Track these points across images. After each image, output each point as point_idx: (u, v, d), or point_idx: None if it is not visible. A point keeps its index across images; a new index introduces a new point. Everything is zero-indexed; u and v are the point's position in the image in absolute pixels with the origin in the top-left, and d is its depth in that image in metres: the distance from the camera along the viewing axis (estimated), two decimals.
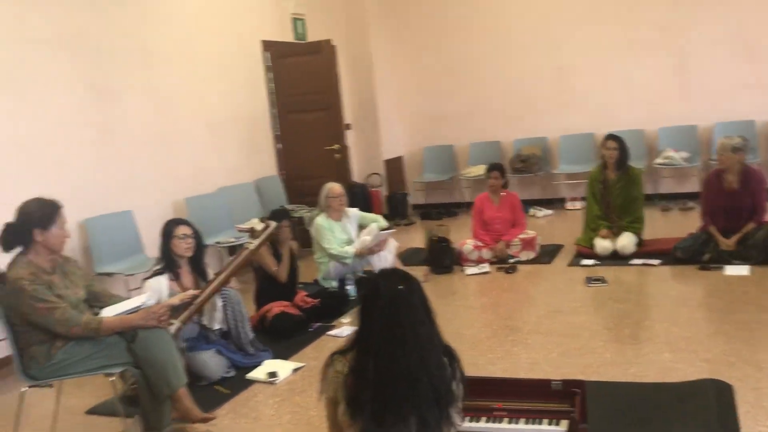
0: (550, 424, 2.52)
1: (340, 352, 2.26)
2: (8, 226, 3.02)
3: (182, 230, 4.15)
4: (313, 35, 8.25)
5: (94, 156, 5.50)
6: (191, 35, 6.61)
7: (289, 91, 7.76)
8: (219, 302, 4.18)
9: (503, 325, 4.51)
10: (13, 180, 4.83)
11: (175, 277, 4.17)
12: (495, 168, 6.34)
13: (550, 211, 8.42)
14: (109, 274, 5.26)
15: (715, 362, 3.55)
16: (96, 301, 3.27)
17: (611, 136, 6.03)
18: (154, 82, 6.14)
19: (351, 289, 5.54)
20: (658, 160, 8.10)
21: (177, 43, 6.42)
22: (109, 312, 3.12)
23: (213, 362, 4.01)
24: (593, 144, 8.38)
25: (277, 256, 5.06)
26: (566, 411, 2.54)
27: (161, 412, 3.08)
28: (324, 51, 7.59)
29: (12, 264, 3.01)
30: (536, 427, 2.52)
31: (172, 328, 3.85)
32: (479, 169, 8.82)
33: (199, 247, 4.25)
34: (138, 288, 4.44)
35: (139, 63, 5.98)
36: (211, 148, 6.77)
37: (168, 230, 4.17)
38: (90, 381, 3.69)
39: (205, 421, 3.11)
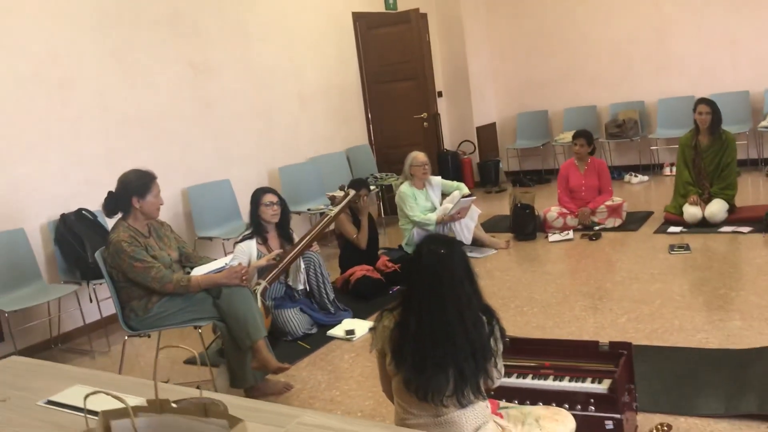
0: (593, 382, 2.63)
1: (389, 309, 2.47)
2: (110, 195, 3.42)
3: (269, 198, 4.48)
4: (404, 5, 8.37)
5: (195, 129, 5.94)
6: (285, 11, 6.92)
7: (379, 61, 7.95)
8: (302, 264, 4.49)
9: (576, 290, 4.58)
10: (126, 151, 5.34)
11: (263, 241, 4.52)
12: (580, 135, 6.29)
13: (645, 177, 8.23)
14: (209, 238, 5.71)
15: None
16: (188, 261, 3.64)
17: (703, 100, 5.84)
18: (250, 58, 6.50)
19: None
20: (764, 123, 7.71)
21: (271, 20, 6.75)
22: (198, 271, 3.47)
23: (296, 319, 4.34)
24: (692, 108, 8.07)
25: (357, 224, 5.32)
26: (610, 371, 2.64)
27: (245, 365, 3.41)
28: (412, 20, 7.70)
29: (114, 228, 3.41)
30: (579, 384, 2.64)
31: (259, 288, 4.23)
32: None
33: (285, 214, 4.56)
34: (232, 252, 4.82)
35: (235, 40, 6.35)
36: (304, 119, 7.10)
37: (256, 198, 4.51)
38: (192, 334, 4.08)
39: (280, 370, 3.41)
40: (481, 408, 2.30)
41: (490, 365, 2.30)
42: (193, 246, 5.78)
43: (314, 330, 4.42)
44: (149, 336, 3.57)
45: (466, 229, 5.89)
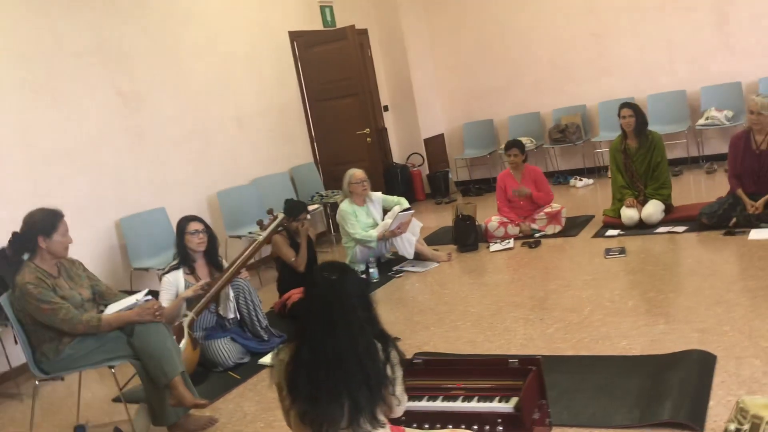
0: (500, 401, 2.60)
1: (286, 342, 2.43)
2: (14, 235, 3.32)
3: (194, 226, 4.40)
4: (342, 21, 8.36)
5: (127, 158, 5.84)
6: (216, 32, 6.87)
7: (320, 79, 7.92)
8: (231, 293, 4.42)
9: (510, 301, 4.56)
10: (53, 185, 5.23)
11: (191, 270, 4.43)
12: (513, 145, 6.32)
13: (590, 181, 8.29)
14: (145, 269, 5.61)
15: (708, 332, 3.51)
16: (102, 299, 3.55)
17: (625, 104, 5.91)
18: (182, 82, 6.43)
19: (374, 272, 5.68)
20: (701, 121, 7.83)
21: (203, 43, 6.69)
22: (110, 309, 3.38)
23: (226, 349, 4.26)
24: None
25: (296, 246, 5.25)
26: (518, 388, 2.61)
27: (164, 402, 3.33)
28: (349, 37, 7.69)
29: (20, 269, 3.31)
30: (487, 404, 2.61)
31: (186, 319, 4.16)
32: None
33: (212, 242, 4.49)
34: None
35: (165, 65, 6.27)
36: (243, 141, 7.04)
37: (181, 227, 4.44)
38: (120, 371, 3.98)
39: (197, 406, 3.33)
40: None
41: (387, 393, 2.26)
42: (129, 278, 5.69)
43: (246, 359, 4.34)
44: (62, 379, 3.47)
45: (407, 244, 5.87)
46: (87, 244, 5.44)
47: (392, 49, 9.17)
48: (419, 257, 5.93)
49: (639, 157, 5.83)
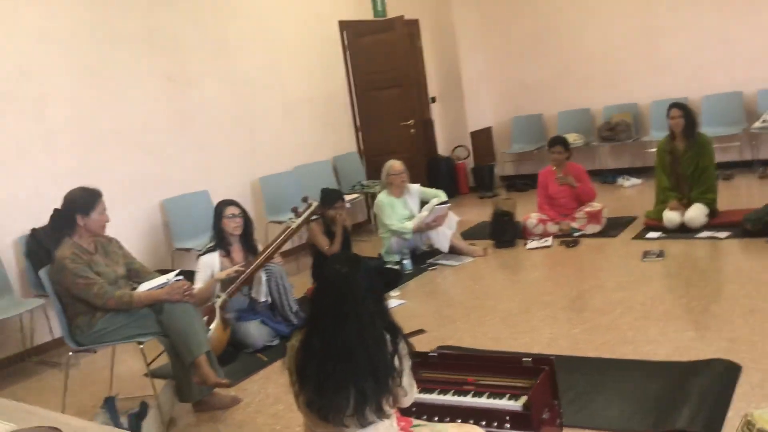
0: (509, 399, 2.61)
1: (298, 329, 2.49)
2: (55, 212, 3.48)
3: (231, 210, 4.51)
4: (393, 11, 8.36)
5: (173, 141, 6.01)
6: (266, 20, 6.97)
7: (366, 69, 7.96)
8: (264, 277, 4.51)
9: (540, 300, 4.54)
10: (101, 165, 5.41)
11: (227, 253, 4.55)
12: (557, 142, 6.24)
13: (638, 181, 8.13)
14: (186, 250, 5.76)
15: (737, 342, 3.43)
16: (136, 276, 3.68)
17: (674, 104, 5.77)
18: (231, 69, 6.55)
19: (407, 263, 5.71)
20: (757, 124, 7.58)
21: (252, 31, 6.80)
22: (142, 287, 3.51)
23: (256, 331, 4.36)
24: None
25: (331, 235, 5.32)
26: (529, 387, 2.62)
27: (189, 379, 3.44)
28: (397, 27, 7.70)
29: (59, 245, 3.46)
30: (496, 401, 2.62)
31: (219, 301, 4.27)
32: (569, 138, 8.58)
33: (248, 226, 4.60)
34: None
35: (215, 52, 6.40)
36: (288, 128, 7.14)
37: (218, 210, 4.55)
38: (149, 348, 4.13)
39: (219, 385, 3.43)
40: (385, 427, 2.29)
41: (394, 384, 2.29)
42: (171, 257, 5.86)
43: (275, 342, 4.43)
44: (95, 351, 3.62)
45: (443, 237, 5.87)
46: (132, 222, 5.63)
47: (442, 40, 9.14)
48: (454, 251, 5.93)
49: (686, 159, 5.70)
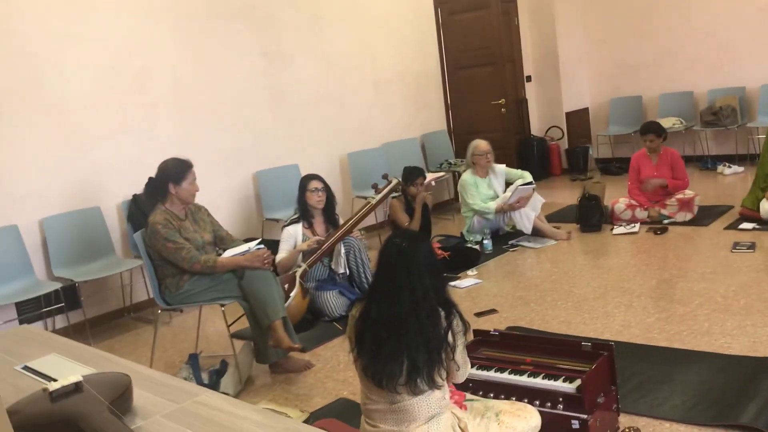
0: (564, 381, 2.64)
1: (359, 300, 2.62)
2: (150, 180, 3.74)
3: (314, 184, 4.69)
4: None
5: (267, 116, 6.26)
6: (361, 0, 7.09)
7: (460, 47, 7.95)
8: (342, 249, 4.67)
9: (618, 286, 4.47)
10: (199, 137, 5.74)
11: (309, 225, 4.74)
12: (649, 130, 6.03)
13: (740, 169, 7.75)
14: (275, 220, 6.02)
15: None
16: (221, 243, 3.92)
17: None
18: (324, 46, 6.73)
19: (488, 243, 5.74)
20: None
21: (346, 8, 6.95)
22: (227, 254, 3.74)
23: (334, 301, 4.54)
24: None
25: (411, 213, 5.42)
26: (584, 371, 2.64)
27: (266, 342, 3.65)
28: (492, 5, 7.63)
29: (153, 211, 3.73)
30: (551, 382, 2.65)
31: (300, 270, 4.48)
32: (669, 122, 8.35)
33: (330, 200, 4.77)
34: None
35: (309, 29, 6.60)
36: (378, 105, 7.26)
37: (303, 184, 4.74)
38: (231, 310, 4.39)
39: (291, 349, 3.61)
40: (437, 398, 2.38)
41: (446, 358, 2.37)
42: (261, 226, 6.14)
43: None
44: (182, 311, 3.88)
45: (526, 219, 5.85)
46: (226, 192, 5.94)
47: (540, 17, 8.96)
48: (537, 233, 5.90)
49: None
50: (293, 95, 6.46)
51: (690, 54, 8.44)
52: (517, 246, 5.81)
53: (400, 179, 5.22)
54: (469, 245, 5.79)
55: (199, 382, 3.51)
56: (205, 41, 5.81)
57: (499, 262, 5.46)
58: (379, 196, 4.76)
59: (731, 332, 3.53)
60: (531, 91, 9.17)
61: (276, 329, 3.55)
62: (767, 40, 7.85)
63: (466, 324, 2.43)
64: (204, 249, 3.76)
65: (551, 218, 6.46)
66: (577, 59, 9.24)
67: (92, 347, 2.44)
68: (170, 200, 3.74)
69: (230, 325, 3.90)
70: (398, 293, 2.36)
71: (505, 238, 6.04)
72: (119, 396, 1.62)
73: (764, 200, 5.45)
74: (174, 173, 3.70)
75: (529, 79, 9.15)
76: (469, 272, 5.22)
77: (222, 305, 3.72)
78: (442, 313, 2.37)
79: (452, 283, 4.98)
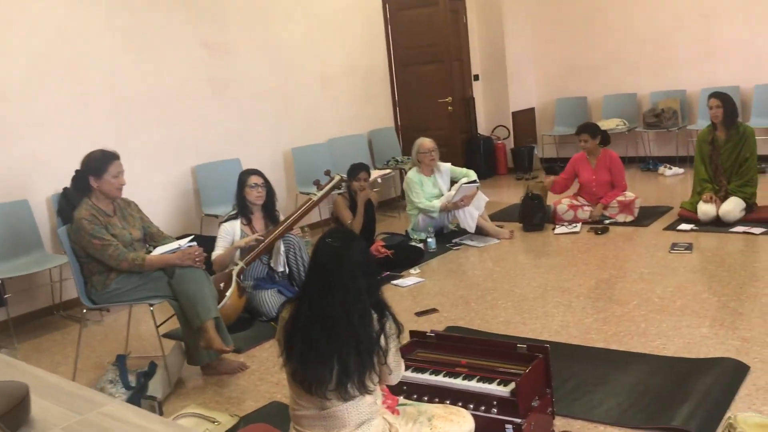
0: (499, 384, 2.59)
1: (290, 301, 2.52)
2: (75, 173, 3.56)
3: (254, 180, 4.56)
4: None
5: (208, 109, 6.08)
6: None
7: (407, 43, 7.89)
8: (282, 247, 4.56)
9: (558, 286, 4.48)
10: (135, 129, 5.53)
11: (248, 221, 4.61)
12: (583, 130, 6.10)
13: (681, 170, 7.90)
14: (214, 216, 5.85)
15: (751, 342, 3.33)
16: (151, 240, 3.76)
17: (713, 94, 5.59)
18: (270, 39, 6.58)
19: (431, 242, 5.69)
20: None
21: (293, 1, 6.80)
22: (157, 251, 3.59)
23: (271, 300, 4.42)
24: (739, 98, 7.65)
25: (355, 209, 5.33)
26: (519, 374, 2.59)
27: (198, 343, 3.52)
28: (440, 2, 7.59)
29: (79, 205, 3.56)
30: (486, 385, 2.60)
31: (236, 268, 4.34)
32: (612, 123, 8.47)
33: (270, 196, 4.64)
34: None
35: (254, 21, 6.44)
36: (325, 100, 7.15)
37: (242, 179, 4.60)
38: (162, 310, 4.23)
39: (222, 351, 3.49)
40: (367, 403, 2.31)
41: (379, 362, 2.30)
42: (200, 222, 5.96)
43: None
44: (108, 311, 3.72)
45: (470, 217, 5.83)
46: (163, 186, 5.75)
47: (489, 16, 8.98)
48: (481, 232, 5.88)
49: (726, 150, 5.51)
50: (236, 88, 6.30)
51: (634, 57, 8.57)
52: (460, 244, 5.78)
53: (344, 175, 5.12)
54: (414, 243, 5.73)
55: (126, 385, 3.37)
56: (143, 30, 5.61)
57: (443, 261, 5.42)
58: (321, 192, 4.66)
59: (667, 333, 3.55)
60: (478, 89, 9.18)
61: (207, 330, 3.42)
62: (707, 44, 8.02)
63: (399, 326, 2.36)
64: (133, 246, 3.60)
65: (495, 217, 6.47)
66: (525, 59, 9.29)
67: None
68: (95, 195, 3.56)
69: (160, 324, 3.76)
70: (329, 294, 2.28)
71: (449, 236, 6.02)
72: (13, 407, 1.49)
73: (701, 202, 5.55)
74: (95, 166, 3.51)
75: (476, 77, 9.16)
76: (412, 271, 5.16)
77: (151, 305, 3.57)
78: (375, 316, 2.30)
79: (394, 282, 4.92)
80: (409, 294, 4.68)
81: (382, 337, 2.28)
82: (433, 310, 4.27)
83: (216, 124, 6.14)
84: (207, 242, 4.36)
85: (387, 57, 7.94)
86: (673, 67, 8.30)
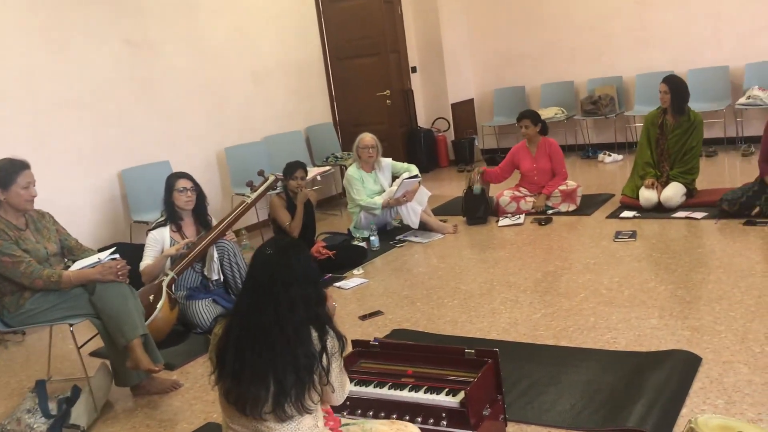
0: (447, 394, 2.43)
1: (223, 316, 2.31)
2: None
3: (182, 183, 4.29)
4: None
5: (134, 110, 5.76)
6: None
7: (342, 36, 7.69)
8: (215, 254, 4.31)
9: (504, 281, 4.36)
10: (56, 134, 5.19)
11: (177, 228, 4.34)
12: (524, 116, 6.03)
13: (620, 157, 7.92)
14: (145, 222, 5.54)
15: (701, 331, 3.27)
16: (70, 254, 3.47)
17: (664, 79, 5.56)
18: (197, 34, 6.28)
19: (374, 240, 5.52)
20: (742, 100, 7.37)
21: None
22: (75, 266, 3.30)
23: (206, 311, 4.17)
24: None
25: (293, 209, 5.11)
26: (469, 382, 2.44)
27: (125, 363, 3.26)
28: None
29: None
30: (433, 396, 2.44)
31: (166, 279, 4.08)
32: (551, 111, 8.44)
33: (201, 200, 4.38)
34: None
35: (180, 16, 6.13)
36: (258, 96, 6.88)
37: (169, 183, 4.33)
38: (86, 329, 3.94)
39: (151, 371, 3.24)
40: (307, 425, 2.12)
41: (320, 382, 2.10)
42: (129, 230, 5.65)
43: None
44: (24, 333, 3.42)
45: (412, 213, 5.68)
46: (87, 193, 5.43)
47: (424, 7, 8.84)
48: (424, 227, 5.74)
49: (675, 136, 5.49)
50: (163, 87, 5.98)
51: (570, 44, 8.57)
52: (404, 241, 5.63)
53: (279, 175, 4.90)
54: (356, 242, 5.55)
55: (46, 414, 3.08)
56: (59, 27, 5.25)
57: (386, 259, 5.26)
58: (255, 194, 4.43)
59: (616, 326, 3.46)
60: (417, 82, 9.04)
61: (134, 349, 3.17)
62: (643, 31, 8.07)
63: (342, 342, 2.17)
64: (48, 262, 3.31)
65: (438, 211, 6.34)
66: (462, 49, 9.20)
67: None
68: (3, 208, 3.25)
69: (83, 344, 3.49)
70: (262, 307, 2.08)
71: (392, 233, 5.86)
72: None
73: (643, 188, 5.52)
74: (2, 177, 3.20)
75: (414, 69, 9.02)
76: (355, 271, 4.98)
77: (70, 324, 3.29)
78: (315, 333, 2.10)
79: (337, 284, 4.73)
80: (353, 296, 4.50)
81: (324, 355, 2.09)
82: (378, 313, 4.10)
83: (143, 126, 5.82)
84: (135, 251, 4.10)
85: (322, 50, 7.72)
86: (610, 54, 8.33)
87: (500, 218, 5.85)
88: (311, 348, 2.08)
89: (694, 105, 7.49)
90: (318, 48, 7.67)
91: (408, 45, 8.84)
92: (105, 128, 5.54)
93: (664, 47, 7.97)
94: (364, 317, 4.06)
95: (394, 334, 3.72)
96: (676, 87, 5.50)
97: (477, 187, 5.81)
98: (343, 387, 2.19)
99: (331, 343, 2.10)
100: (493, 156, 8.93)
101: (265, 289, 2.07)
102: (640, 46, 8.12)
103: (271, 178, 4.52)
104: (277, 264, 2.10)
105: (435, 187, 7.79)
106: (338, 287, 4.68)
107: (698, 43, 7.77)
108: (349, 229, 5.93)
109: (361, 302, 4.36)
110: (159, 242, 4.27)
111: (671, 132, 5.54)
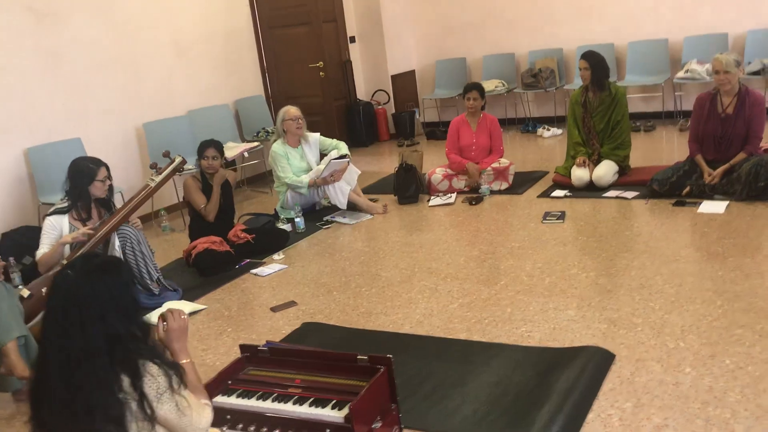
0: (333, 407, 2.24)
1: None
2: None
3: (104, 173, 4.03)
4: None
5: (39, 83, 5.37)
6: None
7: (272, 4, 7.34)
8: (117, 242, 4.03)
9: (425, 267, 4.18)
10: None
11: (79, 216, 4.04)
12: (473, 88, 5.82)
13: (559, 131, 7.79)
14: (53, 204, 5.18)
15: (617, 324, 3.13)
16: None
17: (582, 55, 5.41)
18: (108, 3, 5.86)
19: (299, 221, 5.28)
20: (680, 74, 7.27)
21: None
22: None
23: None
24: (612, 56, 7.59)
25: (209, 192, 4.83)
26: (358, 393, 2.25)
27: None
28: None
29: None
30: (317, 410, 2.24)
31: (50, 274, 3.78)
32: (492, 84, 8.24)
33: (110, 187, 4.10)
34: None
35: None
36: (180, 68, 6.52)
37: (90, 173, 4.00)
38: None
39: (27, 378, 2.98)
40: None
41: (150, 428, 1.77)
42: (38, 212, 5.31)
43: None
44: None
45: (340, 193, 5.46)
46: None
47: None
48: (353, 207, 5.53)
49: (599, 113, 5.36)
50: (72, 59, 5.58)
51: (511, 15, 8.36)
52: (331, 222, 5.41)
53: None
54: (280, 225, 5.31)
55: None
56: None
57: (311, 242, 5.04)
58: (160, 177, 4.13)
59: (533, 318, 3.31)
60: (356, 52, 8.73)
61: (8, 353, 2.90)
62: (583, 2, 7.89)
63: (176, 369, 1.83)
64: None
65: (371, 189, 6.14)
66: (402, 19, 8.91)
67: None
68: None
69: None
70: (52, 351, 1.75)
71: (320, 213, 5.63)
72: None
73: (575, 167, 5.39)
74: None
75: (353, 39, 8.70)
76: (275, 256, 4.74)
77: None
78: (126, 379, 1.73)
79: (254, 271, 4.50)
80: (269, 284, 4.27)
81: (145, 402, 1.74)
82: (291, 304, 3.89)
83: (50, 100, 5.43)
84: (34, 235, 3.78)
85: (252, 20, 7.35)
86: (550, 25, 8.15)
87: (431, 197, 5.66)
88: (115, 399, 1.71)
89: (634, 78, 7.44)
90: (247, 16, 7.31)
91: (347, 14, 8.52)
92: (8, 103, 5.15)
93: (605, 19, 7.82)
94: (275, 309, 3.84)
95: (303, 328, 3.52)
96: (595, 62, 5.35)
97: (485, 188, 5.55)
98: (200, 415, 1.87)
99: (154, 384, 1.76)
100: (434, 129, 8.74)
101: (57, 325, 1.73)
102: (581, 18, 7.96)
103: (178, 160, 4.23)
104: (74, 292, 1.74)
105: (374, 162, 7.59)
106: (254, 274, 4.45)
107: (639, 15, 7.63)
108: (275, 210, 5.68)
109: (276, 291, 4.13)
110: (56, 229, 3.99)
111: (595, 109, 5.41)
